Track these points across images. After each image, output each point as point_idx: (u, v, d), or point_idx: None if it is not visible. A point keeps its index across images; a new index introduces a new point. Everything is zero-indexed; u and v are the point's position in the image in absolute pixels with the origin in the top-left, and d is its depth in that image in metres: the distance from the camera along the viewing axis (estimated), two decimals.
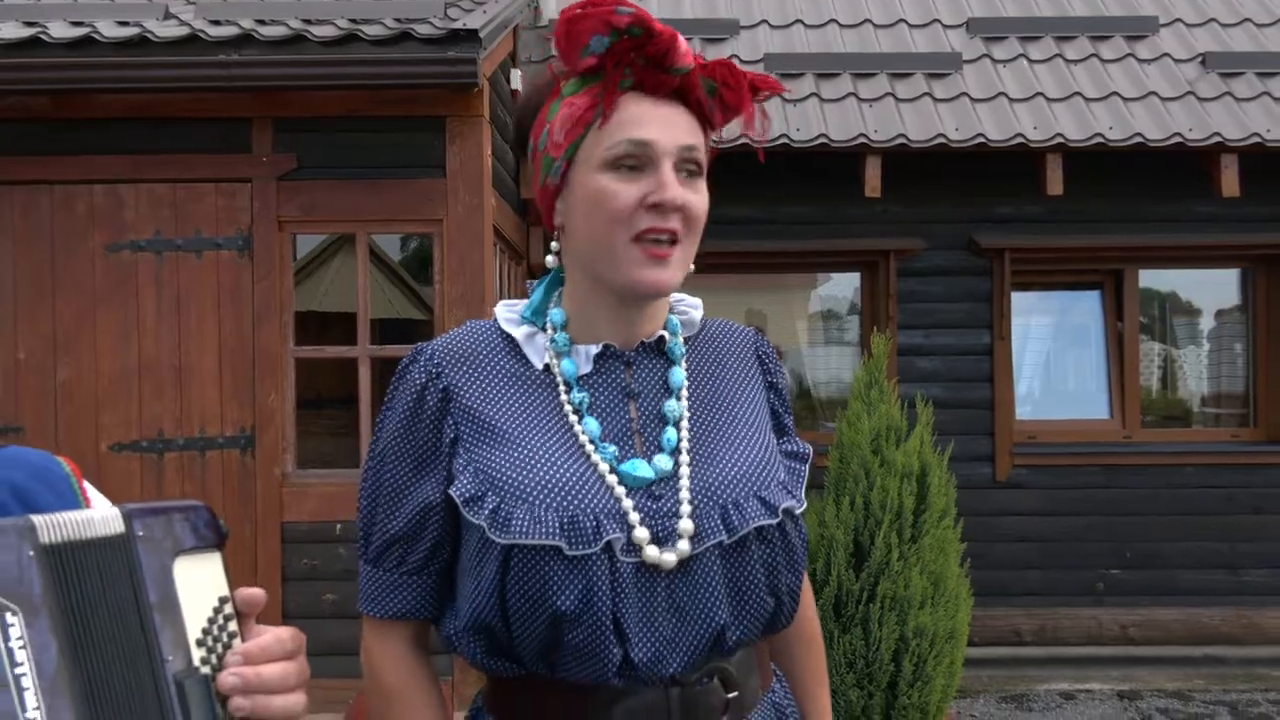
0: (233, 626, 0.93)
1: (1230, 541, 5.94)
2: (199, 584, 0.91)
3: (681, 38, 1.19)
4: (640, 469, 1.17)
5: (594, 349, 1.23)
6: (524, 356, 1.24)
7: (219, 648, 0.91)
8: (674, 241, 1.18)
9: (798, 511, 1.21)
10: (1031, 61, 5.94)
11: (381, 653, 1.24)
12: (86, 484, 1.03)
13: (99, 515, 0.85)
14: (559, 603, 1.10)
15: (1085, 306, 6.36)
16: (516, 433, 1.18)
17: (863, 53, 5.95)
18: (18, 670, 0.75)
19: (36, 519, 0.81)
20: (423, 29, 4.04)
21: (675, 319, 1.30)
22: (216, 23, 4.30)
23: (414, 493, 1.19)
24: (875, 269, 5.99)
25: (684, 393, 1.24)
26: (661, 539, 1.14)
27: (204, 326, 4.26)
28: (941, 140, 5.40)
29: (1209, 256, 6.16)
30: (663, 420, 1.23)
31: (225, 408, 4.25)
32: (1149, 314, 6.46)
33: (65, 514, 0.85)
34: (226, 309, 4.26)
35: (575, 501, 1.13)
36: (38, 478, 0.99)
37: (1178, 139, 5.38)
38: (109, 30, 4.08)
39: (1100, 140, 5.39)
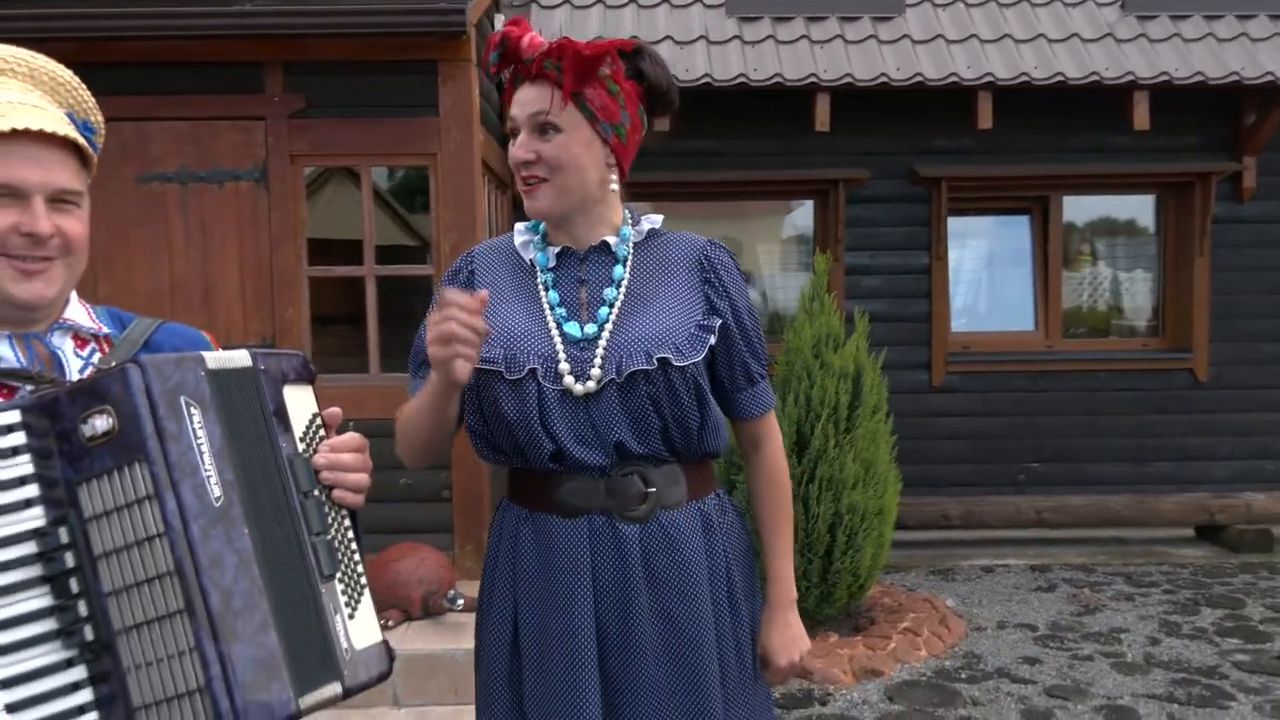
0: (322, 433, 1.35)
1: (1137, 438, 6.45)
2: (299, 403, 1.33)
3: (528, 37, 1.62)
4: (575, 330, 1.65)
5: (555, 249, 1.70)
6: (520, 254, 1.73)
7: (313, 444, 1.33)
8: (541, 181, 1.62)
9: (675, 363, 1.60)
10: (968, 5, 6.24)
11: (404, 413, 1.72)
12: (222, 349, 1.45)
13: (236, 354, 1.27)
14: (506, 411, 1.62)
15: (1015, 230, 6.76)
16: (502, 300, 1.67)
17: None
18: (199, 443, 1.17)
19: (204, 354, 1.22)
20: None
21: (628, 229, 1.73)
22: None
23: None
24: (826, 197, 6.36)
25: (624, 283, 1.68)
26: (578, 376, 1.61)
27: (226, 249, 4.61)
28: (884, 79, 5.74)
29: (1125, 184, 6.55)
30: (602, 301, 1.67)
31: (248, 321, 4.62)
32: (1074, 236, 6.88)
33: (217, 352, 1.26)
34: (246, 234, 4.60)
35: (521, 345, 1.63)
36: (191, 344, 1.41)
37: (1095, 78, 5.75)
38: None
39: (1026, 79, 5.74)
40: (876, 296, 6.36)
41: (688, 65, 5.79)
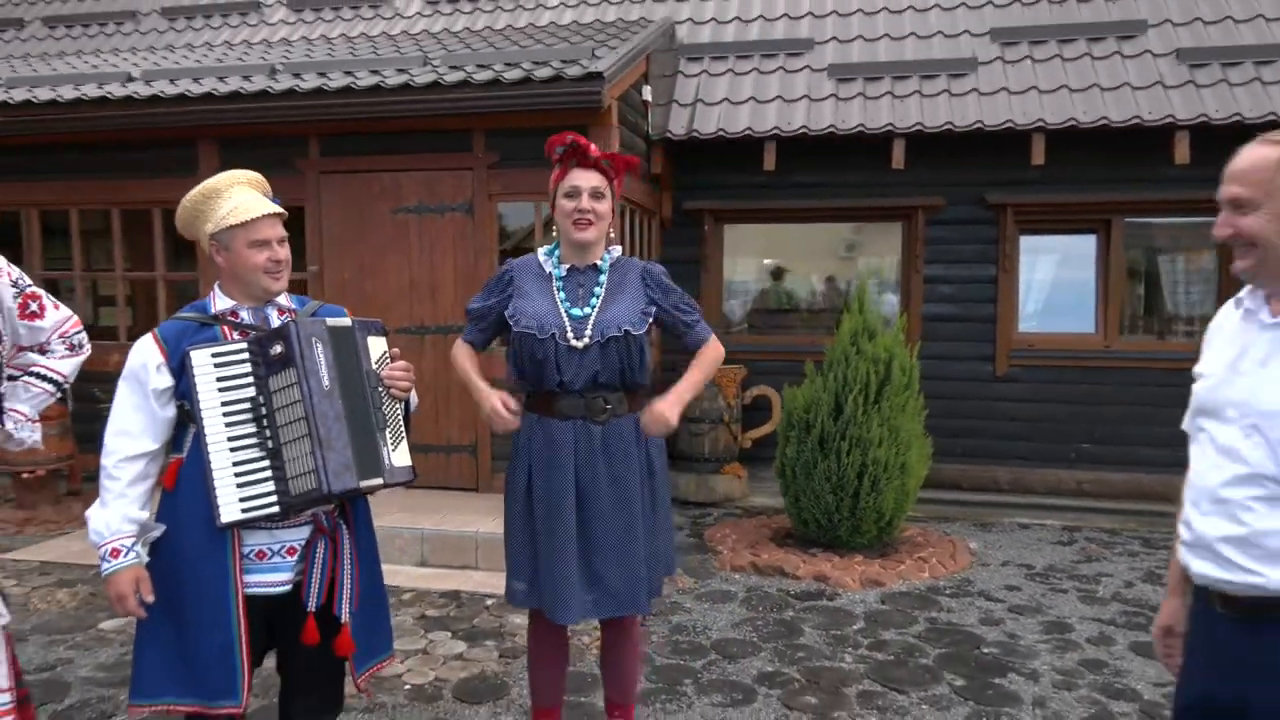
0: (388, 360, 2.32)
1: (1179, 427, 6.44)
2: (376, 345, 2.31)
3: (593, 146, 2.49)
4: (576, 311, 2.54)
5: (565, 267, 2.59)
6: (543, 267, 2.62)
7: (381, 365, 2.29)
8: (591, 223, 2.49)
9: (633, 332, 2.51)
10: (1035, 61, 6.49)
11: (458, 348, 2.67)
12: (353, 319, 2.43)
13: (344, 319, 2.25)
14: (535, 355, 2.51)
15: (1083, 247, 6.88)
16: (532, 295, 2.56)
17: (900, 60, 6.69)
18: (320, 360, 2.16)
19: (327, 318, 2.22)
20: (571, 70, 5.30)
21: (608, 255, 2.63)
22: (456, 67, 5.75)
23: (491, 303, 2.62)
24: (910, 220, 6.81)
25: (604, 285, 2.57)
26: (577, 337, 2.49)
27: (445, 260, 5.80)
28: (949, 126, 6.15)
29: (1181, 208, 6.54)
30: (591, 295, 2.56)
31: (458, 309, 5.78)
32: (1137, 250, 6.90)
33: (332, 318, 2.25)
34: (458, 249, 5.77)
35: (545, 320, 2.53)
36: (335, 314, 2.40)
37: (1136, 120, 5.89)
38: (391, 79, 5.59)
39: (1074, 122, 5.97)
40: (950, 301, 6.75)
41: (789, 119, 6.44)
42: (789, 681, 3.60)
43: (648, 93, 6.52)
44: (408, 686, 3.54)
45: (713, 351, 2.70)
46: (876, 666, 3.74)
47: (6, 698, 2.11)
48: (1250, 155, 1.62)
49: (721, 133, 6.43)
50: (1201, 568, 1.67)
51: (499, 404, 2.54)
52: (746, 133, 6.38)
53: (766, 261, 7.51)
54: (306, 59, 6.51)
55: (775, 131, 6.36)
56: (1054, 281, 6.99)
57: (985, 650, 3.92)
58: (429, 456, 5.81)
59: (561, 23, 7.68)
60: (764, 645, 3.97)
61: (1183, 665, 1.83)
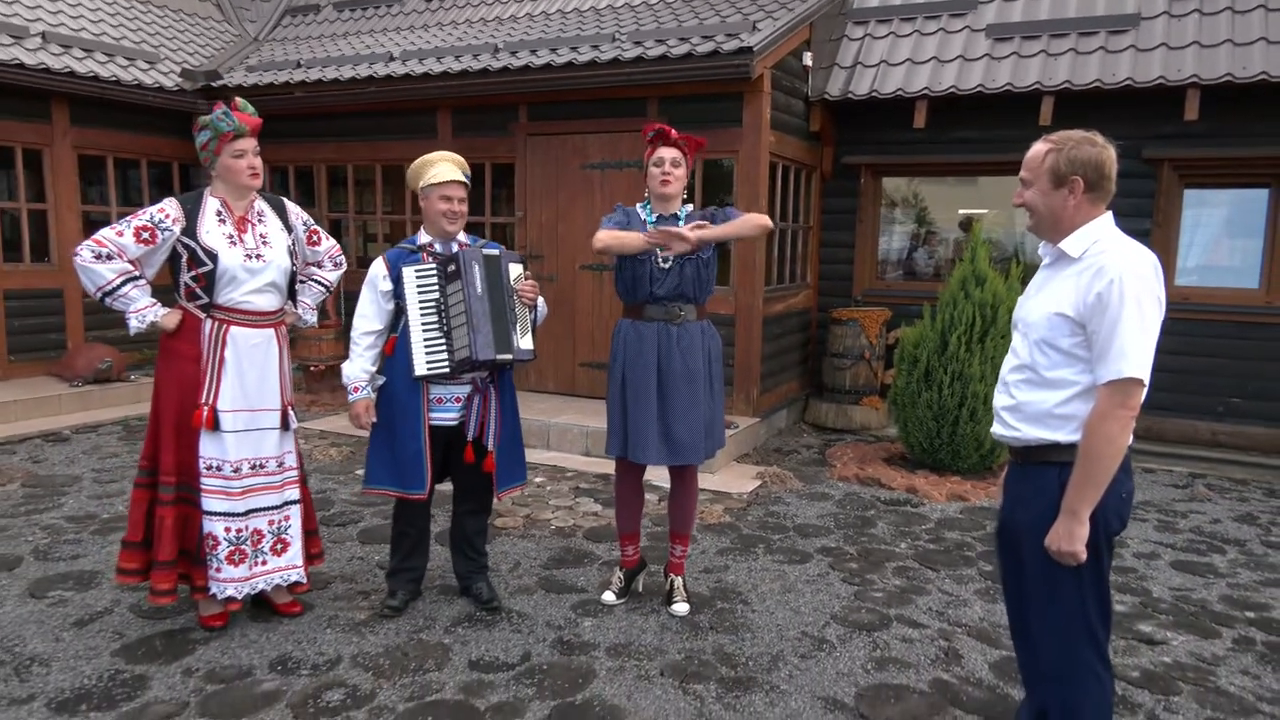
0: (523, 278, 3.53)
1: None
2: (515, 268, 3.54)
3: (672, 131, 3.53)
4: None
5: (655, 215, 3.66)
6: (640, 214, 3.70)
7: (518, 282, 3.51)
8: (671, 181, 3.56)
9: (703, 256, 3.53)
10: (1202, 14, 6.50)
11: (611, 233, 3.71)
12: (504, 250, 3.67)
13: (494, 249, 3.49)
14: (638, 272, 3.59)
15: (1252, 202, 6.84)
16: (632, 232, 3.61)
17: (1060, 18, 6.92)
18: (475, 278, 3.41)
19: (482, 249, 3.46)
20: (727, 45, 6.23)
21: (684, 210, 3.66)
22: (638, 43, 6.85)
23: (619, 219, 3.66)
24: None
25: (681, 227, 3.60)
26: (664, 261, 3.55)
27: None
28: (1098, 84, 6.40)
29: None
30: None
31: None
32: None
33: (485, 248, 3.49)
34: (632, 199, 6.90)
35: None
36: (494, 249, 3.64)
37: None
38: (583, 55, 6.79)
39: (1230, 78, 6.04)
40: None
41: (940, 79, 6.94)
42: (843, 554, 4.52)
43: (808, 58, 7.27)
44: (553, 527, 4.84)
45: (757, 215, 3.58)
46: (923, 553, 4.56)
47: (294, 473, 3.57)
48: (1033, 148, 2.37)
49: (874, 93, 7.06)
50: (995, 429, 2.48)
51: (654, 233, 3.52)
52: (897, 93, 6.97)
53: (962, 212, 8.04)
54: (524, 37, 7.86)
55: (925, 91, 6.90)
56: (1219, 236, 7.00)
57: None
58: (595, 371, 7.11)
59: None
60: (836, 530, 4.88)
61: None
